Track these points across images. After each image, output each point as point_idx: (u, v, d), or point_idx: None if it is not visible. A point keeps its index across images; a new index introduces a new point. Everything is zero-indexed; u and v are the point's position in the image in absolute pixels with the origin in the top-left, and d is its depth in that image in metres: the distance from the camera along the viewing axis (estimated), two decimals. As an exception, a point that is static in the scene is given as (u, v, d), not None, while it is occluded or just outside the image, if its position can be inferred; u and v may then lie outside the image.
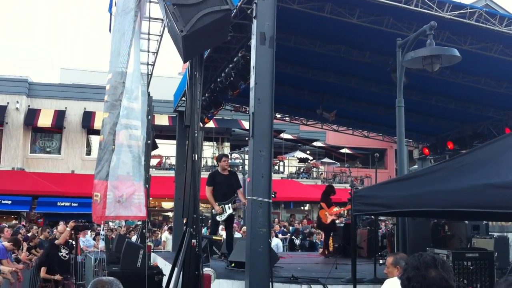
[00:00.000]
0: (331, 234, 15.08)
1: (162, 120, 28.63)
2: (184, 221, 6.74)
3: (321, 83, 14.96)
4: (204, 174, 12.33)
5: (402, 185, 6.67)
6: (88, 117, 29.50)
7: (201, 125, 15.06)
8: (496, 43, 10.90)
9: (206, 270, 7.88)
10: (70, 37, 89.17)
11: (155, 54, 13.51)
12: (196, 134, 6.48)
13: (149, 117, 11.52)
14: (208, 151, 33.23)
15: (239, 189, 11.44)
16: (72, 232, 11.88)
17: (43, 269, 11.00)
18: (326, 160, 35.66)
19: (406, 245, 8.93)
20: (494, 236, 10.96)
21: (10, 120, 28.85)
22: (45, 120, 28.82)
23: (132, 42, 6.85)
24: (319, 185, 30.76)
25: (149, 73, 14.12)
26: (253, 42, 8.43)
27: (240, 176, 25.33)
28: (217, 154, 33.39)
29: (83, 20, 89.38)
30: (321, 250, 14.63)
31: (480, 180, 5.03)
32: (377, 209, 7.26)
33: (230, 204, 11.11)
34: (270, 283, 7.89)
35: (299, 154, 36.12)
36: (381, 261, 10.36)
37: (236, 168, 29.45)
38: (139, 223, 13.32)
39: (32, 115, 29.03)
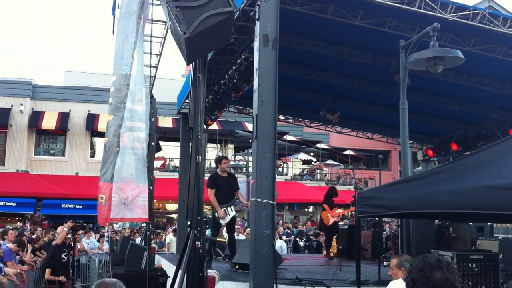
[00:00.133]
0: (335, 236, 15.07)
1: (165, 122, 28.66)
2: (188, 223, 6.75)
3: (324, 85, 14.96)
4: (208, 176, 12.33)
5: (406, 187, 6.67)
6: (92, 119, 29.56)
7: (205, 127, 15.08)
8: (500, 44, 10.88)
9: (210, 272, 7.88)
10: (70, 37, 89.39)
11: (159, 56, 13.54)
12: (199, 136, 6.50)
13: (153, 119, 11.54)
14: (212, 153, 33.21)
15: (238, 191, 11.44)
16: (70, 232, 11.83)
17: (47, 271, 11.02)
18: (329, 162, 35.62)
19: (411, 247, 8.92)
20: (499, 237, 10.93)
21: (14, 122, 28.93)
22: (49, 122, 28.89)
23: (136, 45, 6.87)
24: (323, 187, 30.70)
25: (153, 75, 14.16)
26: (256, 44, 8.43)
27: (243, 178, 25.44)
28: (227, 157, 33.56)
29: (83, 20, 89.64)
30: (325, 252, 14.62)
31: (484, 182, 5.02)
32: (381, 211, 7.26)
33: (232, 207, 11.11)
34: (274, 285, 7.88)
35: (303, 156, 36.08)
36: (385, 263, 10.35)
37: (239, 170, 29.49)
38: (144, 225, 13.33)
39: (36, 117, 29.11)
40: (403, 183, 7.32)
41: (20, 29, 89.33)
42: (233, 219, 11.38)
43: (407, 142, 9.44)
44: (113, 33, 9.72)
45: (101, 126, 27.77)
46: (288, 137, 31.95)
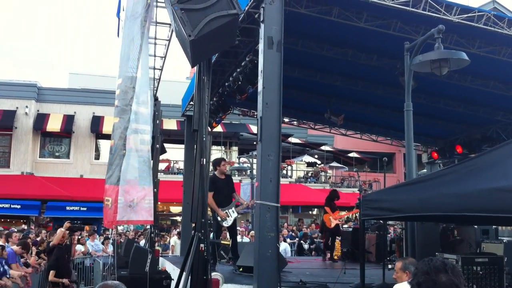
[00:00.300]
0: (339, 239, 15.06)
1: (170, 124, 28.69)
2: (193, 226, 6.75)
3: (328, 87, 14.95)
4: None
5: (410, 190, 6.65)
6: (96, 121, 29.63)
7: (209, 129, 15.09)
8: (505, 46, 10.86)
9: (214, 275, 7.88)
10: (71, 37, 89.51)
11: (163, 58, 13.56)
12: (204, 139, 6.50)
13: (158, 121, 11.57)
14: (216, 155, 33.21)
15: (234, 192, 11.44)
16: (67, 233, 11.78)
17: (51, 273, 11.02)
18: (334, 164, 35.57)
19: (415, 249, 8.89)
20: (504, 240, 10.88)
21: (19, 124, 29.01)
22: (54, 124, 28.96)
23: (141, 48, 6.89)
24: (327, 189, 30.59)
25: (158, 77, 14.19)
26: (260, 46, 8.43)
27: (248, 180, 25.45)
28: (225, 159, 33.56)
29: (83, 20, 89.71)
30: (328, 255, 14.61)
31: (489, 184, 5.00)
32: (386, 214, 7.25)
33: (233, 208, 11.10)
34: (278, 288, 7.87)
35: (307, 158, 36.07)
36: (389, 266, 10.31)
37: (244, 173, 29.51)
38: (148, 227, 13.35)
39: (41, 119, 29.18)
40: (407, 186, 7.30)
41: (20, 29, 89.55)
42: (234, 221, 11.38)
43: (412, 145, 9.42)
44: (118, 36, 9.75)
45: (106, 129, 27.83)
46: (292, 139, 31.94)
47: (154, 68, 13.38)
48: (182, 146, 18.81)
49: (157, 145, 11.62)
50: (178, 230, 21.22)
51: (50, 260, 11.73)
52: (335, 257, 14.79)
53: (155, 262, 10.09)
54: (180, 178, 23.34)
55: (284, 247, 17.47)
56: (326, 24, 10.42)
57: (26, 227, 23.03)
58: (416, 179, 8.26)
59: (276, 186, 8.02)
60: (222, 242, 11.56)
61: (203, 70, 6.58)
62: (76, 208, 26.44)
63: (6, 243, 12.34)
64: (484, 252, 10.15)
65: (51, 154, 30.77)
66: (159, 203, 15.10)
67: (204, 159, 6.48)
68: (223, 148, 34.26)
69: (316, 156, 36.87)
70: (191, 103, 14.81)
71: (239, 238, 13.90)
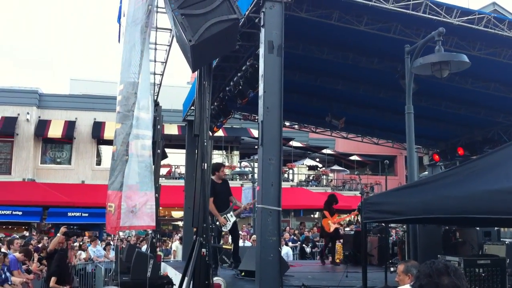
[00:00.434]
0: (340, 242, 15.04)
1: (171, 129, 28.70)
2: (194, 230, 6.74)
3: (329, 90, 14.96)
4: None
5: (412, 192, 6.64)
6: (98, 127, 29.66)
7: (210, 134, 15.06)
8: (505, 48, 10.86)
9: (216, 280, 7.87)
10: (71, 37, 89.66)
11: (164, 64, 13.58)
12: (205, 143, 6.50)
13: (159, 126, 11.57)
14: (218, 160, 33.22)
15: (231, 196, 11.44)
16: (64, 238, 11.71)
17: (53, 279, 10.99)
18: (335, 167, 35.58)
19: (417, 252, 8.88)
20: (506, 242, 10.86)
21: (21, 131, 29.05)
22: (55, 130, 28.99)
23: (143, 53, 6.90)
24: (329, 193, 30.65)
25: (158, 82, 14.21)
26: (261, 50, 8.45)
27: (249, 185, 25.43)
28: (226, 163, 33.58)
29: (83, 20, 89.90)
30: (330, 259, 14.60)
31: (491, 186, 5.00)
32: (388, 216, 7.23)
33: (231, 212, 11.09)
34: (281, 292, 7.86)
35: (309, 161, 36.06)
36: (392, 269, 10.31)
37: (245, 177, 29.48)
38: (150, 232, 13.34)
39: (42, 126, 29.21)
40: (409, 188, 7.29)
41: (20, 29, 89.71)
42: (235, 224, 11.37)
43: (413, 147, 9.41)
44: (119, 41, 9.76)
45: (107, 134, 27.86)
46: (293, 143, 31.95)
47: (155, 74, 13.40)
48: (183, 151, 18.81)
49: (159, 150, 11.62)
50: (179, 235, 21.20)
51: (51, 266, 11.72)
52: (337, 260, 14.77)
53: (157, 267, 10.06)
54: (181, 183, 23.38)
55: (286, 251, 17.45)
56: (326, 27, 10.43)
57: (27, 234, 23.03)
58: (418, 181, 8.25)
59: (278, 190, 8.02)
60: (223, 246, 11.54)
61: (203, 75, 6.58)
62: (78, 214, 26.44)
63: (8, 250, 12.35)
64: (486, 254, 10.14)
65: (53, 160, 30.79)
66: (160, 208, 15.07)
67: (206, 164, 6.48)
68: (225, 153, 34.26)
69: (317, 160, 36.87)
70: (192, 108, 14.82)
71: (240, 243, 13.88)
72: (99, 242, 20.16)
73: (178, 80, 55.86)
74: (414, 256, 8.66)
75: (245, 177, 30.18)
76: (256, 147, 9.49)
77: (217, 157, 33.11)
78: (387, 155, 27.77)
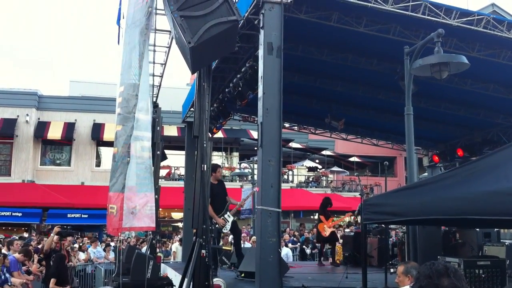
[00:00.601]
0: (341, 242, 15.04)
1: (171, 131, 28.71)
2: (194, 232, 6.75)
3: (329, 92, 14.96)
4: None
5: (412, 193, 6.65)
6: (97, 129, 29.67)
7: (210, 135, 15.08)
8: (505, 50, 10.87)
9: (216, 281, 7.87)
10: (71, 37, 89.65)
11: (163, 65, 13.58)
12: (205, 145, 6.50)
13: (158, 128, 11.57)
14: (217, 161, 33.22)
15: (227, 196, 11.44)
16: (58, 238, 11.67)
17: (52, 281, 10.98)
18: (335, 168, 35.57)
19: (417, 253, 8.88)
20: (506, 243, 10.87)
21: (20, 133, 29.06)
22: (54, 132, 29.00)
23: (143, 55, 6.90)
24: (329, 194, 30.66)
25: (158, 84, 14.21)
26: (260, 52, 8.45)
27: (249, 186, 25.43)
28: (226, 164, 33.60)
29: (83, 20, 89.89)
30: (330, 259, 14.60)
31: (490, 187, 5.00)
32: (387, 218, 7.24)
33: (228, 212, 11.09)
34: (281, 293, 7.86)
35: (308, 163, 36.05)
36: (391, 270, 10.31)
37: (245, 178, 29.49)
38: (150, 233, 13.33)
39: (42, 127, 29.22)
40: (409, 190, 7.30)
41: (20, 29, 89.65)
42: (234, 223, 11.36)
43: (413, 148, 9.42)
44: (118, 43, 9.76)
45: (107, 136, 27.87)
46: (293, 145, 31.95)
47: (154, 75, 13.39)
48: (183, 152, 18.83)
49: (158, 152, 11.62)
50: (179, 236, 21.20)
51: (51, 268, 11.70)
52: (337, 262, 14.78)
53: (157, 269, 10.06)
54: (181, 184, 23.36)
55: (286, 252, 17.45)
56: (325, 29, 10.44)
57: (27, 235, 23.02)
58: (417, 182, 8.26)
59: (277, 191, 8.03)
60: (223, 247, 11.54)
61: (203, 77, 6.59)
62: (77, 215, 26.43)
63: (8, 251, 12.34)
64: (486, 255, 10.15)
65: (52, 162, 30.79)
66: (160, 209, 15.08)
67: (205, 165, 6.49)
68: (224, 154, 34.27)
69: (317, 161, 36.86)
70: (192, 109, 14.83)
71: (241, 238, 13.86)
72: (99, 243, 20.16)
73: (178, 81, 55.83)
74: (414, 257, 8.66)
75: (245, 178, 30.20)
76: (255, 148, 9.51)
77: (217, 158, 33.12)
78: (387, 156, 27.79)
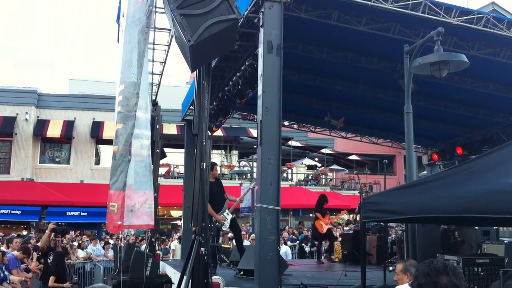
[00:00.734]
0: (340, 239, 15.05)
1: (170, 129, 28.72)
2: (193, 229, 6.75)
3: (328, 90, 14.96)
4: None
5: (411, 191, 6.65)
6: (97, 127, 29.66)
7: (209, 133, 15.09)
8: (504, 48, 10.87)
9: (215, 278, 7.87)
10: (71, 37, 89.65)
11: (163, 63, 13.57)
12: (204, 143, 6.50)
13: (158, 126, 11.56)
14: (217, 159, 33.23)
15: (225, 194, 11.46)
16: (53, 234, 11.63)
17: (51, 278, 10.98)
18: (334, 167, 35.60)
19: (416, 251, 8.89)
20: (505, 241, 10.87)
21: (20, 131, 29.04)
22: (54, 130, 28.99)
23: (144, 54, 6.89)
24: (328, 192, 30.69)
25: (157, 82, 14.19)
26: (260, 50, 8.45)
27: (248, 184, 25.43)
28: (225, 162, 33.60)
29: (83, 20, 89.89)
30: (325, 255, 14.65)
31: (490, 186, 5.00)
32: (387, 216, 7.24)
33: (227, 210, 11.11)
34: (280, 291, 7.87)
35: (308, 161, 36.08)
36: (390, 268, 10.31)
37: (244, 176, 29.49)
38: (149, 231, 13.33)
39: (41, 125, 29.21)
40: (408, 188, 7.30)
41: (20, 29, 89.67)
42: (233, 220, 11.37)
43: (412, 147, 9.42)
44: (118, 42, 9.75)
45: (106, 134, 27.87)
46: (292, 143, 31.97)
47: (153, 73, 13.36)
48: (182, 150, 18.82)
49: (157, 150, 11.60)
50: (178, 234, 21.21)
51: (50, 265, 11.69)
52: (336, 260, 14.81)
53: (156, 266, 10.06)
54: (180, 182, 23.36)
55: (285, 250, 17.46)
56: (325, 28, 10.44)
57: (26, 233, 23.01)
58: (417, 181, 8.26)
59: (277, 189, 8.04)
60: (222, 245, 11.56)
61: (202, 75, 6.58)
62: (77, 213, 26.41)
63: (7, 249, 12.34)
64: (485, 253, 10.15)
65: (51, 160, 30.79)
66: (159, 207, 15.10)
67: (204, 164, 6.48)
68: (223, 152, 34.27)
69: (316, 159, 36.89)
70: (191, 107, 14.83)
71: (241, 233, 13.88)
72: (98, 241, 20.17)
73: (177, 80, 55.92)
74: (413, 255, 8.67)
75: (244, 176, 30.21)
76: (255, 146, 9.52)
77: (216, 156, 33.14)
78: (386, 155, 27.79)
